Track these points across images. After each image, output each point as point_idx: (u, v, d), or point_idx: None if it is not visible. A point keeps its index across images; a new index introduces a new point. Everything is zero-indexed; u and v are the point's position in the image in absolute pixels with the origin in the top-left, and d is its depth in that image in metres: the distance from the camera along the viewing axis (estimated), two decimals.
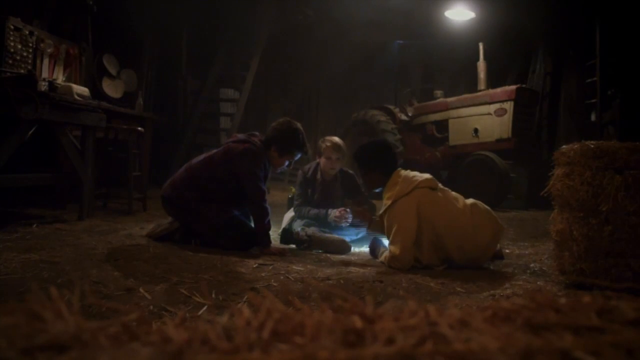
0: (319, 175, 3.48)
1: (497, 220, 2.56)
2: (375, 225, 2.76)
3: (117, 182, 4.41)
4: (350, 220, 3.27)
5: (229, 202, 2.86)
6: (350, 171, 3.67)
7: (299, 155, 3.01)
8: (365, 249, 3.08)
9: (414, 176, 2.58)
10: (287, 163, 3.00)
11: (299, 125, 2.97)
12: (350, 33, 8.35)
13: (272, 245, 2.79)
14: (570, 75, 7.06)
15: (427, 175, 2.60)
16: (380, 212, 2.63)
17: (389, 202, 2.53)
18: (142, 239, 2.89)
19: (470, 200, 2.61)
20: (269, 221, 2.80)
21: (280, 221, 3.73)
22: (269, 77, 9.32)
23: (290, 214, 3.62)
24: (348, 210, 3.28)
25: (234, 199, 2.87)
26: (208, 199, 2.81)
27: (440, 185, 2.64)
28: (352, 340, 0.41)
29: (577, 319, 0.43)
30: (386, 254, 2.54)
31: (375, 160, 2.71)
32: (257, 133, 3.03)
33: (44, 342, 0.38)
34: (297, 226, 3.30)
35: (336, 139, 3.46)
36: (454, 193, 2.64)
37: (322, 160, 3.43)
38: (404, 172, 2.64)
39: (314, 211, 3.36)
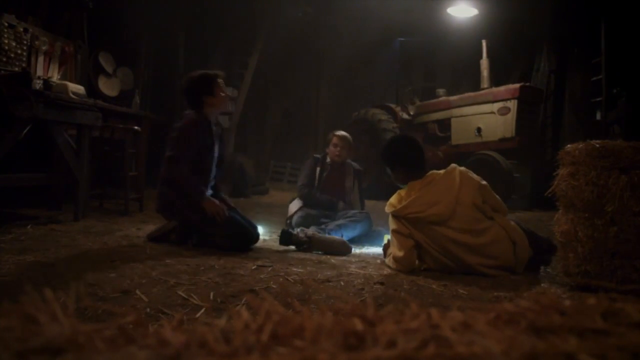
0: (328, 160, 3.81)
1: (525, 248, 2.34)
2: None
3: (113, 182, 4.39)
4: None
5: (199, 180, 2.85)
6: (360, 168, 3.94)
7: (222, 81, 2.97)
8: (365, 250, 3.09)
9: (428, 204, 2.33)
10: (224, 96, 2.96)
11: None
12: (351, 31, 8.33)
13: (208, 199, 2.75)
14: (575, 74, 6.96)
15: (440, 206, 2.31)
16: (388, 203, 2.48)
17: (391, 210, 2.41)
18: (139, 240, 2.88)
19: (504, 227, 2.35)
20: (190, 184, 2.76)
21: (280, 221, 3.73)
22: (268, 75, 9.31)
23: (295, 203, 3.67)
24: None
25: (199, 176, 2.86)
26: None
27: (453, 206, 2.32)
28: (353, 343, 0.40)
29: (582, 321, 0.43)
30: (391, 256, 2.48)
31: (399, 159, 2.57)
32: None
33: (38, 345, 0.37)
34: (298, 219, 3.45)
35: (344, 133, 3.83)
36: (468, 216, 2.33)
37: (330, 148, 3.78)
38: (425, 186, 2.39)
39: (325, 196, 3.61)
